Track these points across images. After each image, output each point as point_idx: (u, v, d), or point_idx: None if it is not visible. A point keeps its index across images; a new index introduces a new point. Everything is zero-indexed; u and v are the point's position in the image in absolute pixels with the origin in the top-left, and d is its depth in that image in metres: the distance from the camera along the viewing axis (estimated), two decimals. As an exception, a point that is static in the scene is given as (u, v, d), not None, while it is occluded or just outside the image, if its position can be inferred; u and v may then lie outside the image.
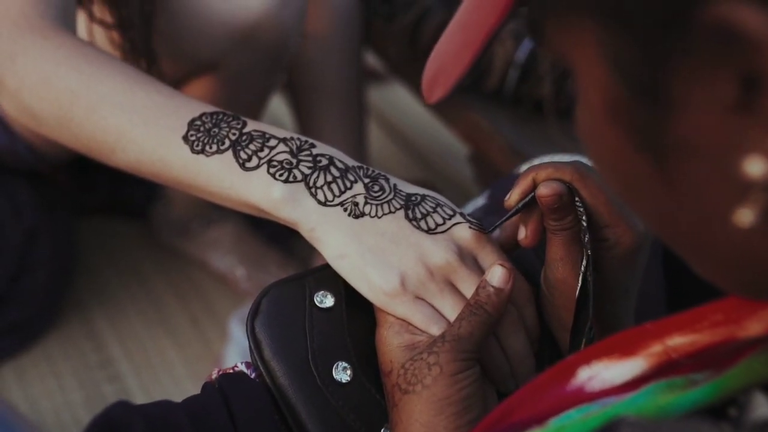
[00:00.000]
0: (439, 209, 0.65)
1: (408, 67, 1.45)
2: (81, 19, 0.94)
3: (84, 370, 1.30)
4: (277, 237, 1.49)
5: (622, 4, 0.35)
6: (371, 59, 1.69)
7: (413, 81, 1.46)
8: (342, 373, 0.61)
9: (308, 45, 1.35)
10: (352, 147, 1.43)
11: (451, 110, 1.36)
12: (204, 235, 1.47)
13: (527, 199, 0.61)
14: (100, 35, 0.98)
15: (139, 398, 1.26)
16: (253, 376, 0.63)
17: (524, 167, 0.81)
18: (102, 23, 0.94)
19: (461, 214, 0.65)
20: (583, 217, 0.58)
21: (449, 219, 0.64)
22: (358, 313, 0.64)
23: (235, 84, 1.16)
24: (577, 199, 0.59)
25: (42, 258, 1.29)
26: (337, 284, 0.64)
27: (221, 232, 1.47)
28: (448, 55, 0.46)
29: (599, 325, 0.64)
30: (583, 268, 0.58)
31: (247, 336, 0.62)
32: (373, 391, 0.62)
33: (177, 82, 1.13)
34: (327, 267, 0.64)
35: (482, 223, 0.65)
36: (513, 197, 0.62)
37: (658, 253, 0.76)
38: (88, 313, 1.38)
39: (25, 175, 1.28)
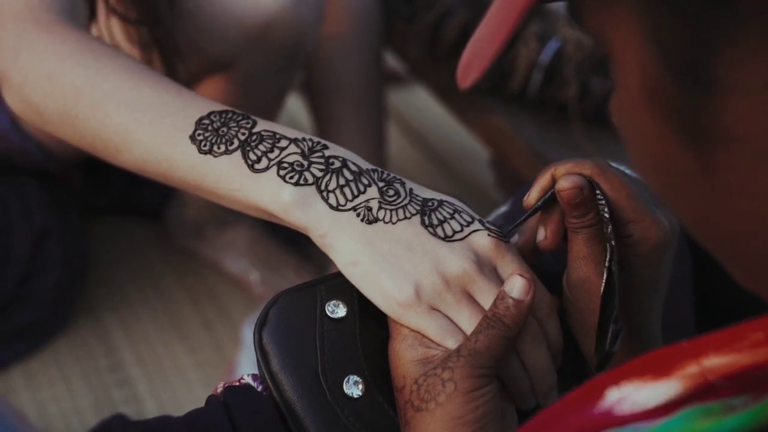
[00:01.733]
0: (456, 215, 0.62)
1: (429, 69, 1.43)
2: (100, 15, 0.93)
3: (94, 374, 1.28)
4: (292, 240, 1.48)
5: None
6: (392, 61, 1.68)
7: (434, 83, 1.45)
8: (353, 388, 0.59)
9: (327, 45, 1.35)
10: (371, 149, 1.42)
11: (473, 113, 1.35)
12: (219, 237, 1.46)
13: (547, 196, 0.60)
14: (118, 31, 0.97)
15: (149, 403, 1.24)
16: (260, 389, 0.61)
17: None
18: (121, 17, 0.93)
19: (480, 221, 0.62)
20: (605, 209, 0.56)
21: (467, 226, 0.61)
22: (372, 324, 0.61)
23: (250, 83, 1.15)
24: (598, 192, 0.57)
25: (53, 259, 1.28)
26: (350, 294, 0.62)
27: (236, 235, 1.46)
28: (482, 39, 0.45)
29: (625, 327, 0.61)
30: (607, 261, 0.56)
31: (254, 347, 0.60)
32: (386, 407, 0.59)
33: (191, 80, 1.12)
34: (340, 275, 0.62)
35: (502, 230, 0.62)
36: (532, 195, 0.60)
37: (688, 269, 0.73)
38: (99, 316, 1.37)
39: (36, 175, 1.27)
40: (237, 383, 0.62)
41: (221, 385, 0.63)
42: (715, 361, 0.39)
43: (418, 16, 1.38)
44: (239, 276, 1.44)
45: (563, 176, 0.58)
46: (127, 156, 0.69)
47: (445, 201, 0.63)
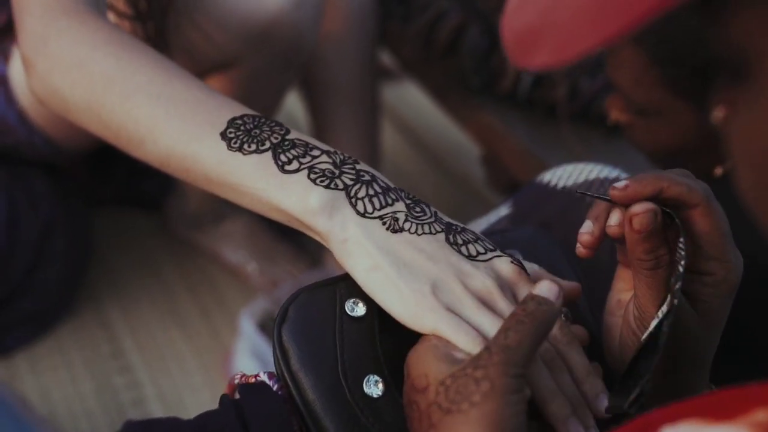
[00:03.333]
0: (479, 241, 0.62)
1: (422, 69, 1.45)
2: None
3: (96, 360, 1.31)
4: (288, 232, 1.49)
5: None
6: (385, 57, 1.69)
7: (427, 81, 1.47)
8: (374, 387, 0.58)
9: (324, 44, 1.36)
10: (365, 145, 1.43)
11: (465, 111, 1.37)
12: (217, 228, 1.48)
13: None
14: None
15: (148, 389, 1.28)
16: (275, 388, 0.60)
17: (546, 176, 0.78)
18: (117, 12, 0.94)
19: (502, 251, 0.62)
20: (682, 262, 0.53)
21: (491, 251, 0.61)
22: (390, 323, 0.59)
23: (250, 82, 1.16)
24: (681, 240, 0.53)
25: (58, 250, 1.30)
26: None
27: (234, 227, 1.48)
28: (575, 13, 0.36)
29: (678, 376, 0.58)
30: (662, 314, 0.53)
31: (274, 344, 0.58)
32: None
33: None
34: None
35: (522, 262, 0.62)
36: (633, 189, 0.55)
37: None
38: (101, 304, 1.40)
39: (42, 167, 1.28)
40: (253, 379, 0.61)
41: (238, 377, 0.62)
42: None
43: (413, 18, 1.39)
44: (237, 266, 1.47)
45: (640, 203, 0.54)
46: (150, 148, 0.67)
47: (467, 228, 0.63)
